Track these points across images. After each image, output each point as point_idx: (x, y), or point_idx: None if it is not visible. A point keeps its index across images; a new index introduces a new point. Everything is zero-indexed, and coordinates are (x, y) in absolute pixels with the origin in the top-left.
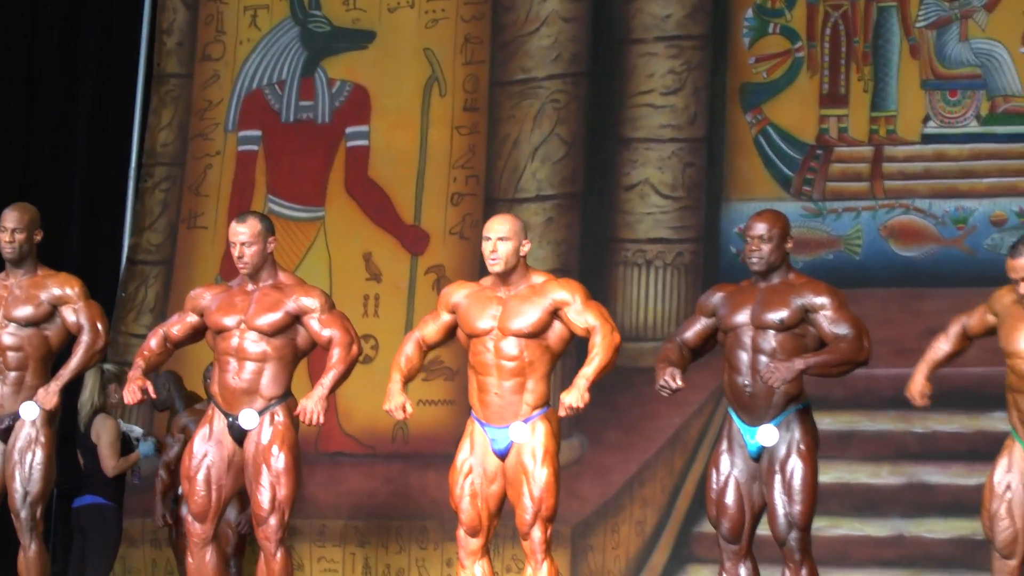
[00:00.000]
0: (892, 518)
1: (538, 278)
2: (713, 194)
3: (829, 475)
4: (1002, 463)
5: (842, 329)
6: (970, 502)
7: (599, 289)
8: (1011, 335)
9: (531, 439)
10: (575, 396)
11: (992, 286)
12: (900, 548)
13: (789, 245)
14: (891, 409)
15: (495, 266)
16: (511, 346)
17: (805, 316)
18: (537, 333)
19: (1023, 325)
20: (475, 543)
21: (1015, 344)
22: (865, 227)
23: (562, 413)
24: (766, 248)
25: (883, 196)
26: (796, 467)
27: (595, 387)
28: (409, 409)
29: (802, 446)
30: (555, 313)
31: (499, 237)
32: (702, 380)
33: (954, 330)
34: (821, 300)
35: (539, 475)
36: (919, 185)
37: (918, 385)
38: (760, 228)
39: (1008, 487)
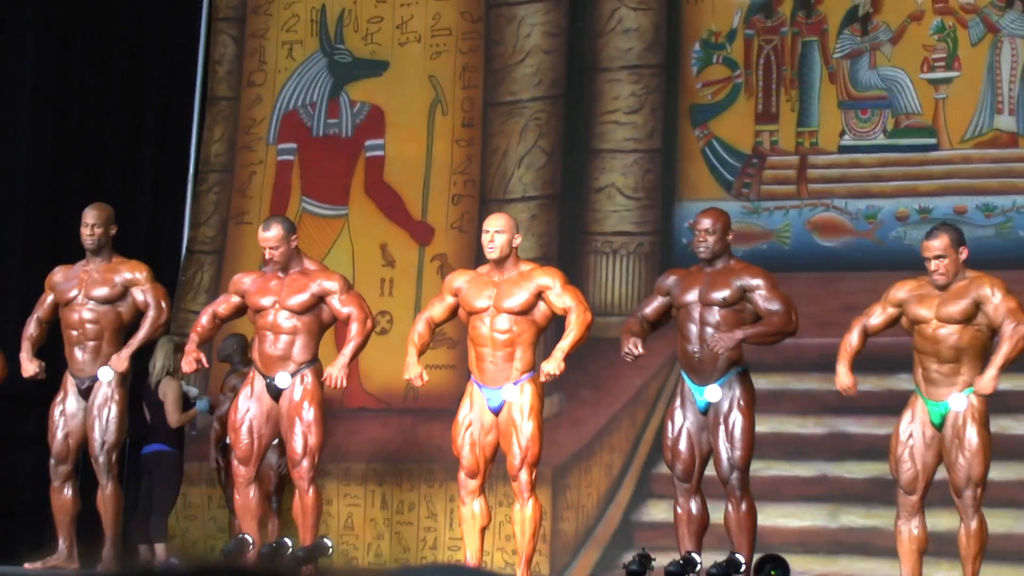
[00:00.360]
0: (817, 461)
1: (526, 266)
2: (667, 195)
3: (764, 426)
4: (906, 415)
5: (774, 305)
6: (881, 448)
7: (574, 274)
8: (917, 308)
9: (520, 398)
10: (553, 365)
11: (897, 270)
12: (824, 486)
13: (730, 237)
14: (816, 372)
15: (492, 254)
16: (504, 322)
17: (744, 295)
18: (525, 311)
19: (925, 300)
20: (473, 483)
21: (921, 313)
22: (793, 222)
23: (542, 379)
24: (711, 239)
25: (807, 196)
26: (737, 419)
27: (570, 356)
28: (425, 377)
29: (742, 402)
30: (539, 295)
31: (496, 230)
32: (659, 347)
33: (857, 330)
34: (757, 282)
35: (526, 427)
36: (837, 187)
37: (845, 379)
38: (706, 223)
39: (910, 435)
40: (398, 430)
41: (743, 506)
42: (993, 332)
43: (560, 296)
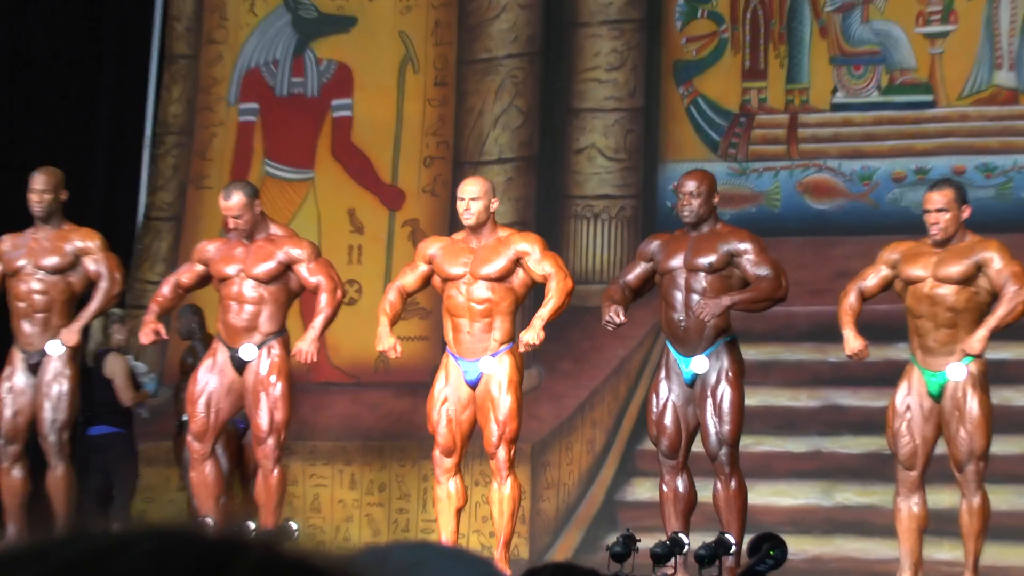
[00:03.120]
0: (810, 436)
1: (504, 232)
2: (650, 156)
3: (754, 399)
4: (903, 387)
5: (763, 271)
6: (878, 421)
7: (554, 239)
8: (912, 267)
9: (498, 370)
10: (532, 334)
11: (893, 233)
12: (817, 462)
13: (716, 200)
14: (807, 341)
15: (468, 220)
16: (481, 290)
17: (731, 260)
18: (503, 278)
19: (921, 259)
20: (449, 462)
21: (915, 272)
22: (783, 184)
23: (521, 349)
24: (696, 202)
25: (798, 157)
26: (725, 392)
27: (550, 325)
28: (399, 349)
29: (730, 373)
30: (518, 262)
31: (472, 197)
32: (642, 317)
33: (854, 292)
34: (744, 246)
35: (504, 402)
36: (829, 147)
37: (855, 343)
38: (691, 185)
39: (908, 408)
40: (368, 405)
41: (732, 483)
42: (993, 297)
43: (539, 262)
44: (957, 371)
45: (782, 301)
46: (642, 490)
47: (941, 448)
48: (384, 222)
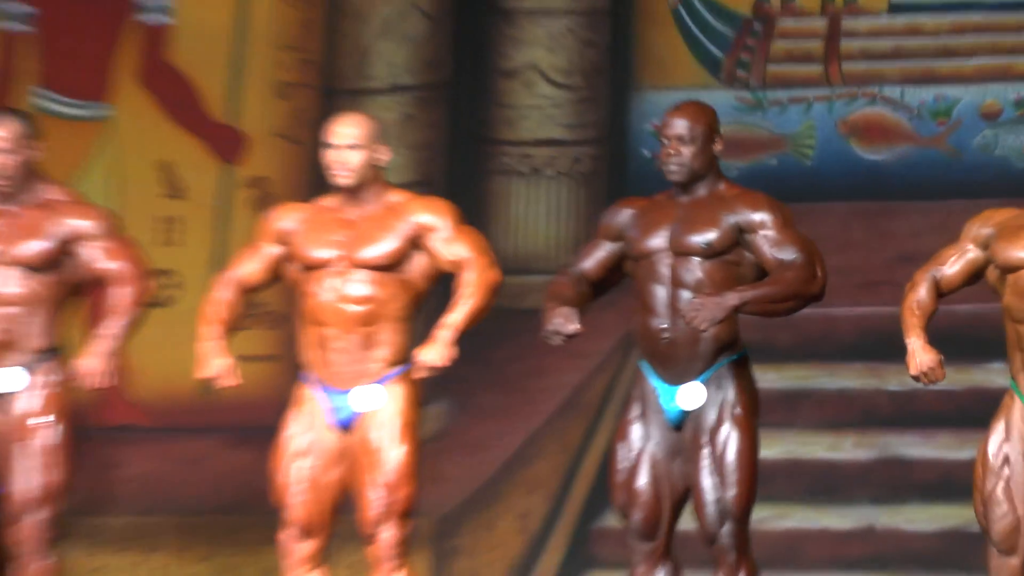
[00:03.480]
0: (859, 505)
1: (396, 196)
2: (620, 82)
3: (775, 448)
4: (998, 429)
5: (788, 254)
6: (960, 482)
7: (472, 207)
8: (1013, 246)
9: (383, 408)
10: (436, 352)
11: (984, 198)
12: (869, 544)
13: (718, 147)
14: (856, 360)
15: (343, 180)
16: (360, 283)
17: (740, 238)
18: (394, 265)
19: None
20: (307, 548)
21: (1019, 253)
22: (819, 123)
23: (420, 374)
24: (687, 151)
25: (841, 83)
26: (730, 438)
27: (464, 338)
28: (236, 374)
29: (738, 409)
30: (417, 241)
31: (348, 144)
32: (606, 324)
33: (925, 285)
34: (760, 216)
35: (393, 455)
36: (887, 68)
37: (924, 356)
38: (679, 126)
39: (1006, 460)
40: (184, 461)
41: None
42: None
43: (450, 242)
44: None
45: (817, 300)
46: None
47: None
48: (215, 181)
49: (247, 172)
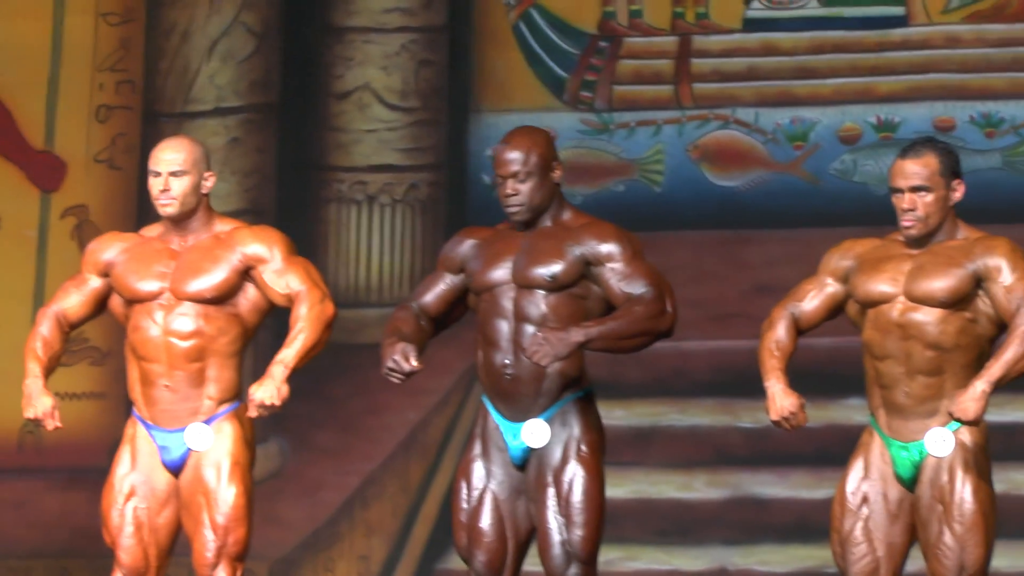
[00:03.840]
0: (711, 546)
1: (225, 225)
2: (458, 104)
3: (624, 488)
4: (856, 467)
5: (637, 288)
6: (817, 522)
7: (303, 237)
8: (874, 281)
9: (214, 447)
10: (269, 390)
11: (844, 226)
12: None
13: (557, 174)
14: (708, 396)
15: (168, 209)
16: (186, 317)
17: (586, 270)
18: (222, 298)
19: (888, 267)
20: None
21: (880, 288)
22: (668, 147)
23: (252, 413)
24: (525, 188)
25: (692, 105)
26: (576, 476)
27: (299, 374)
28: (57, 416)
29: (583, 447)
30: (247, 272)
31: (171, 171)
32: (447, 360)
33: (782, 322)
34: (607, 248)
35: (224, 496)
36: (741, 89)
37: (784, 400)
38: (513, 161)
39: (865, 499)
40: (8, 504)
41: None
42: (999, 328)
43: (281, 274)
44: (939, 442)
45: (667, 335)
46: None
47: (916, 562)
48: (33, 210)
49: (65, 200)
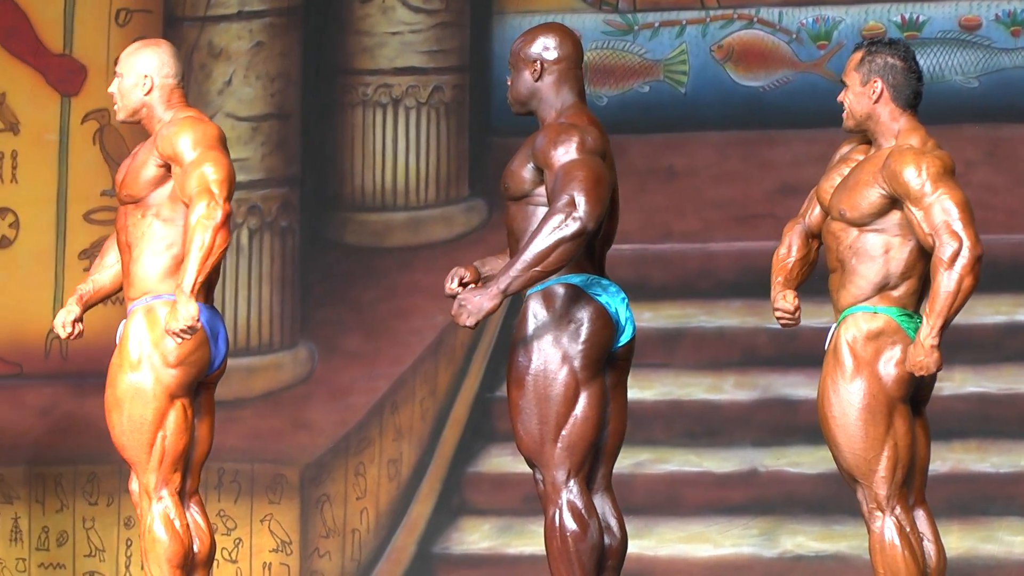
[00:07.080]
0: (741, 447)
1: (168, 113)
2: (482, 5)
3: (652, 389)
4: None
5: (557, 197)
6: None
7: (329, 141)
8: (823, 184)
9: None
10: (174, 319)
11: None
12: (752, 487)
13: (531, 72)
14: (735, 297)
15: (118, 114)
16: (132, 218)
17: (542, 177)
18: (142, 198)
19: (833, 173)
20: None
21: (821, 195)
22: (692, 48)
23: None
24: (509, 81)
25: (716, 5)
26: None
27: (326, 279)
28: (74, 329)
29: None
30: (169, 168)
31: (116, 72)
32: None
33: (794, 234)
34: (544, 153)
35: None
36: None
37: (782, 300)
38: (511, 56)
39: None
40: (36, 411)
41: (558, 521)
42: (923, 249)
43: (181, 179)
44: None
45: (584, 234)
46: (477, 537)
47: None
48: (53, 114)
49: (86, 104)
